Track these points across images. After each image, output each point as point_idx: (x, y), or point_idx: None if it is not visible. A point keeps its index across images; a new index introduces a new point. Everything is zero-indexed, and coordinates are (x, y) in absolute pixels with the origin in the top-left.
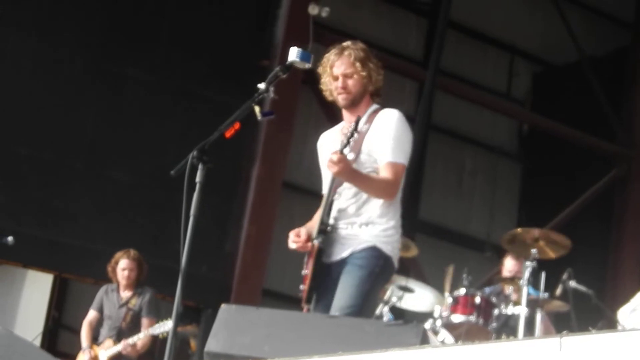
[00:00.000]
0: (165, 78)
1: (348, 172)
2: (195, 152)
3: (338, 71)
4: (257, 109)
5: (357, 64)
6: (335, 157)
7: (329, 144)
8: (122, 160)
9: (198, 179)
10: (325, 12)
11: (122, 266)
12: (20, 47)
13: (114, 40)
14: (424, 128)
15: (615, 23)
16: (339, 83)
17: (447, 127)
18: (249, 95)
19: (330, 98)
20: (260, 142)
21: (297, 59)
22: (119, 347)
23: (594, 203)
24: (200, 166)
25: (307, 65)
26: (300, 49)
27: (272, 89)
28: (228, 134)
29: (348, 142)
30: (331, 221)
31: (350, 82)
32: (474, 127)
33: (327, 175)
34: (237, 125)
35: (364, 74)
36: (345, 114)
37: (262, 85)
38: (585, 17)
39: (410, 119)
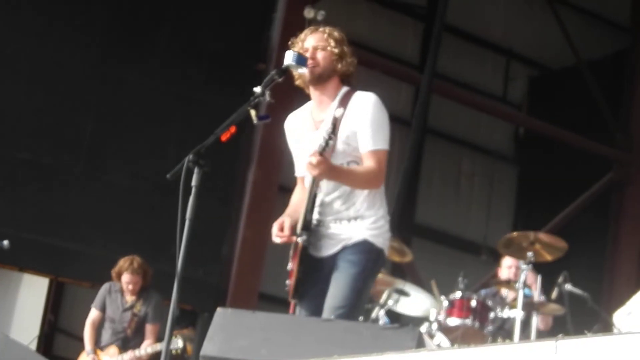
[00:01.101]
0: (163, 82)
1: (328, 172)
2: (191, 156)
3: (309, 44)
4: (253, 112)
5: (331, 41)
6: (314, 160)
7: (298, 126)
8: (120, 164)
9: (194, 182)
10: (321, 16)
11: (126, 280)
12: (19, 50)
13: (113, 44)
14: (420, 131)
15: (612, 27)
16: (308, 54)
17: (444, 131)
18: (246, 98)
19: (298, 81)
20: (256, 145)
21: (293, 63)
22: (125, 358)
23: (591, 206)
24: (196, 170)
25: (303, 69)
26: (296, 53)
27: (268, 92)
28: (224, 138)
29: (327, 144)
30: (316, 216)
31: (319, 54)
32: (470, 131)
33: (298, 158)
34: (233, 129)
35: (335, 50)
36: (313, 93)
37: (258, 89)
38: (582, 21)
39: (407, 122)
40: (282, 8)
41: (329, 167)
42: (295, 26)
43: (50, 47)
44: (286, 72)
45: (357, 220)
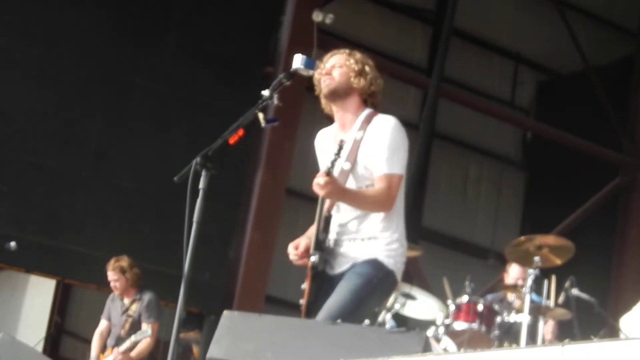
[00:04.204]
0: (170, 86)
1: (336, 193)
2: (198, 159)
3: (329, 64)
4: (260, 115)
5: (350, 59)
6: (321, 181)
7: (325, 144)
8: (127, 168)
9: (201, 185)
10: (329, 19)
11: (109, 278)
12: (26, 55)
13: (120, 48)
14: (428, 135)
15: (620, 32)
16: (325, 72)
17: (452, 135)
18: (254, 102)
19: (326, 109)
20: (264, 149)
21: (301, 66)
22: (110, 358)
23: (598, 211)
24: (203, 173)
25: (311, 72)
26: (304, 56)
27: (276, 95)
28: (232, 141)
29: (332, 165)
30: (333, 236)
31: (336, 71)
32: (478, 135)
33: None
34: (240, 132)
35: (354, 67)
36: (335, 114)
37: (266, 92)
38: (590, 26)
39: (414, 126)
40: (290, 11)
41: (336, 188)
42: (303, 29)
43: (57, 50)
44: (294, 76)
45: (371, 241)
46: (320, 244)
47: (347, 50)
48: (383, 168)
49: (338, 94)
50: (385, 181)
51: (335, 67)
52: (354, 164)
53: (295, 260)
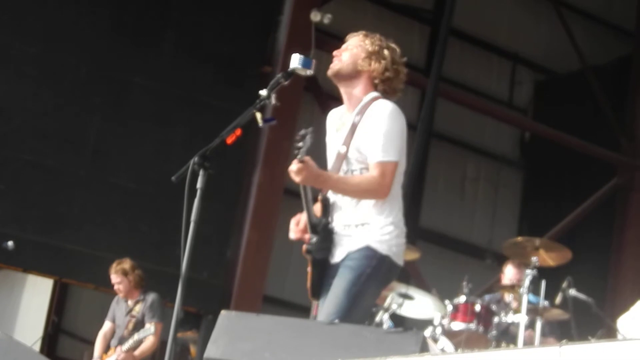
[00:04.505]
0: (168, 85)
1: (313, 178)
2: (196, 158)
3: (344, 45)
4: (258, 115)
5: (367, 41)
6: (294, 167)
7: (331, 124)
8: (126, 167)
9: (199, 185)
10: (327, 19)
11: (112, 281)
12: (24, 53)
13: (118, 47)
14: (426, 135)
15: (618, 32)
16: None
17: (449, 135)
18: (252, 101)
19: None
20: (262, 148)
21: (299, 66)
22: (113, 357)
23: (595, 211)
24: (201, 172)
25: (309, 72)
26: (302, 56)
27: (273, 95)
28: (229, 140)
29: (298, 152)
30: (332, 222)
31: (346, 52)
32: (476, 135)
33: (330, 155)
34: (238, 132)
35: (368, 48)
36: (342, 94)
37: (263, 92)
38: (588, 26)
39: (412, 125)
40: (289, 11)
41: (311, 174)
42: (301, 29)
43: (55, 49)
44: (292, 75)
45: (364, 226)
46: (315, 227)
47: (364, 33)
48: (378, 155)
49: (342, 76)
50: (379, 168)
51: (347, 49)
52: (348, 147)
53: (295, 237)
